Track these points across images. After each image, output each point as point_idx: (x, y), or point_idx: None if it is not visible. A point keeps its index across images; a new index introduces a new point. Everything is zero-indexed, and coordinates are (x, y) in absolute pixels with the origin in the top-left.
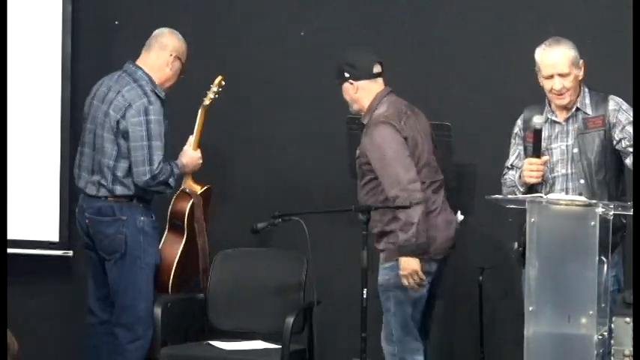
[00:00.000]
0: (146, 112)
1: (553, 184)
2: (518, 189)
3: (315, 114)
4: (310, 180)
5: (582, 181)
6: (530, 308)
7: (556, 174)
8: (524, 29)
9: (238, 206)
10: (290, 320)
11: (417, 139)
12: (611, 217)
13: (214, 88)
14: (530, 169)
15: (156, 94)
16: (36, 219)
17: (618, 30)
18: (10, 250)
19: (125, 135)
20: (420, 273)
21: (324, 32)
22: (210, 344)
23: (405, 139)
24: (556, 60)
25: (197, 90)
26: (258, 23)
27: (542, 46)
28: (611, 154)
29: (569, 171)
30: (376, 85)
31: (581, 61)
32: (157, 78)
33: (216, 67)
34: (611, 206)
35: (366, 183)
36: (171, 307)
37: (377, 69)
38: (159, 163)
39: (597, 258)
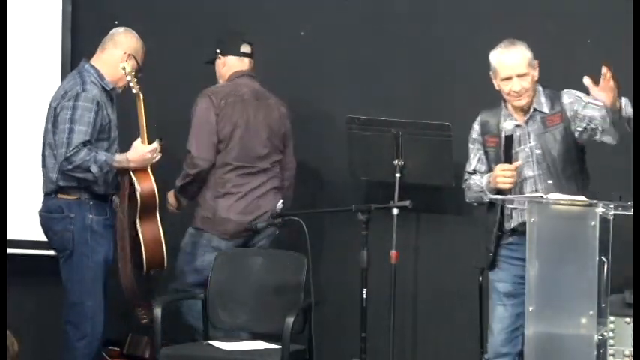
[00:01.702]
0: (76, 98)
1: (522, 187)
2: (486, 194)
3: (315, 114)
4: (310, 180)
5: (550, 182)
6: (530, 308)
7: (523, 177)
8: (524, 29)
9: None
10: (290, 320)
11: (236, 121)
12: (612, 217)
13: (129, 77)
14: (505, 175)
15: (102, 86)
16: (36, 219)
17: (618, 30)
18: (9, 250)
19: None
20: (172, 201)
21: (324, 32)
22: (210, 344)
23: (217, 115)
24: (514, 61)
25: (199, 90)
26: (258, 23)
27: (498, 48)
28: (574, 148)
29: (536, 172)
30: (241, 64)
31: (535, 62)
32: (110, 75)
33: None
34: (611, 206)
35: None
36: (171, 307)
37: (245, 49)
38: (75, 147)
39: (597, 258)
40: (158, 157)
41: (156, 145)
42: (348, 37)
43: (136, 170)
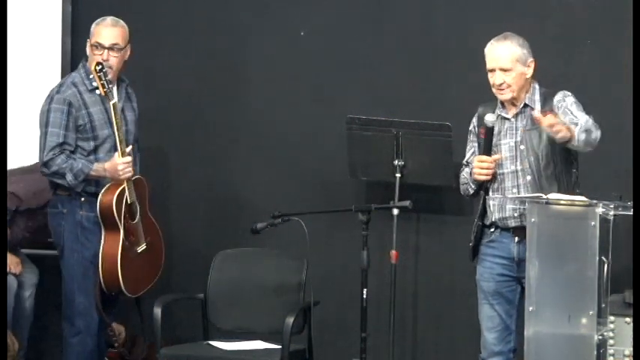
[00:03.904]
0: (50, 101)
1: (502, 180)
2: (471, 186)
3: (315, 114)
4: (310, 180)
5: (529, 177)
6: (530, 308)
7: (505, 170)
8: (524, 29)
9: (238, 206)
10: (290, 320)
11: None
12: (612, 217)
13: (95, 78)
14: (481, 166)
15: (85, 85)
16: None
17: (618, 30)
18: None
19: None
20: None
21: (324, 32)
22: (210, 344)
23: None
24: (499, 54)
25: (199, 91)
26: (258, 23)
27: (492, 40)
28: (559, 148)
29: (518, 167)
30: None
31: (530, 60)
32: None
33: (217, 68)
34: (611, 206)
35: None
36: (171, 307)
37: None
38: (50, 150)
39: (597, 258)
40: (129, 171)
41: (129, 158)
42: (348, 37)
43: (112, 180)
